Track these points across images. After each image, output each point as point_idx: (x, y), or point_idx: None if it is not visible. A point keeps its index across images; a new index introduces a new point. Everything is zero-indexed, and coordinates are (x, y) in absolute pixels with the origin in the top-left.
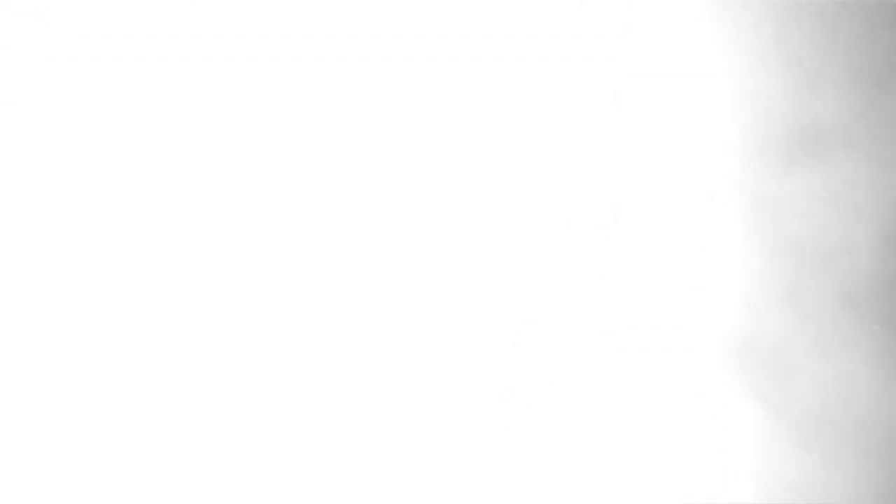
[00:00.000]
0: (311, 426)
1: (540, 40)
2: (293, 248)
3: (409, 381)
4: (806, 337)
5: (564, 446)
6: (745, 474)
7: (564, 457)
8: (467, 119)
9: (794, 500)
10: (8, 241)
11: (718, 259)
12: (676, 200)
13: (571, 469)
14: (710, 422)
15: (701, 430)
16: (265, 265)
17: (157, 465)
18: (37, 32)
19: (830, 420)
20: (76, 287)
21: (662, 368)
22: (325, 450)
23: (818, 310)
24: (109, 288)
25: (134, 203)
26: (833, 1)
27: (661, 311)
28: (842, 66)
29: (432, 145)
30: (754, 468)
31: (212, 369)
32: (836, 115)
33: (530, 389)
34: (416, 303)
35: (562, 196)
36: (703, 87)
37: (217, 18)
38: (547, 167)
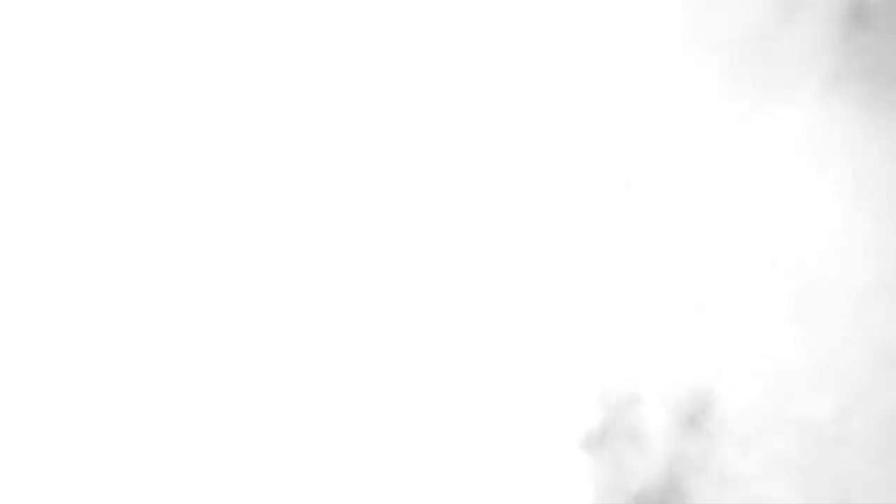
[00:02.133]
0: (306, 424)
1: (545, 24)
2: (292, 247)
3: (409, 380)
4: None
5: (567, 444)
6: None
7: (565, 455)
8: (468, 117)
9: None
10: (7, 240)
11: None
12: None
13: (572, 467)
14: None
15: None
16: (264, 264)
17: (155, 463)
18: (36, 32)
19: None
20: (73, 287)
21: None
22: (320, 448)
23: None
24: (107, 289)
25: (133, 201)
26: None
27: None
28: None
29: (433, 138)
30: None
31: (210, 369)
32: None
33: (531, 388)
34: (416, 296)
35: (565, 190)
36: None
37: (217, 18)
38: (550, 159)
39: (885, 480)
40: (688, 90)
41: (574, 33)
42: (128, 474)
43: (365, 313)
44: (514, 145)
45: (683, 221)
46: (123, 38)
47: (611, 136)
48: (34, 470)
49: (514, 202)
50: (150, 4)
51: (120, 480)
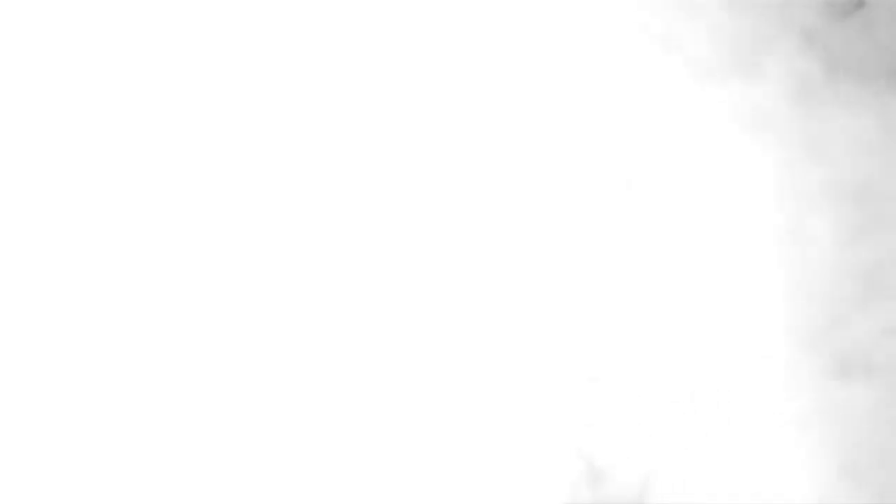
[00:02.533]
0: (301, 425)
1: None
2: (292, 247)
3: (403, 379)
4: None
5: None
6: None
7: (566, 453)
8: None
9: None
10: (6, 240)
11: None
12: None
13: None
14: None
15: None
16: (263, 264)
17: (155, 464)
18: (36, 32)
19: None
20: (73, 287)
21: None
22: (319, 450)
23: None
24: (107, 289)
25: (133, 201)
26: None
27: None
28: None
29: (431, 139)
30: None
31: (210, 369)
32: None
33: (533, 386)
34: (414, 294)
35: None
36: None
37: (217, 17)
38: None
39: (846, 473)
40: (680, 89)
41: (572, 34)
42: (128, 474)
43: (363, 311)
44: (513, 145)
45: (682, 222)
46: (123, 38)
47: (610, 136)
48: (34, 470)
49: (512, 202)
50: (151, 4)
51: (120, 480)
